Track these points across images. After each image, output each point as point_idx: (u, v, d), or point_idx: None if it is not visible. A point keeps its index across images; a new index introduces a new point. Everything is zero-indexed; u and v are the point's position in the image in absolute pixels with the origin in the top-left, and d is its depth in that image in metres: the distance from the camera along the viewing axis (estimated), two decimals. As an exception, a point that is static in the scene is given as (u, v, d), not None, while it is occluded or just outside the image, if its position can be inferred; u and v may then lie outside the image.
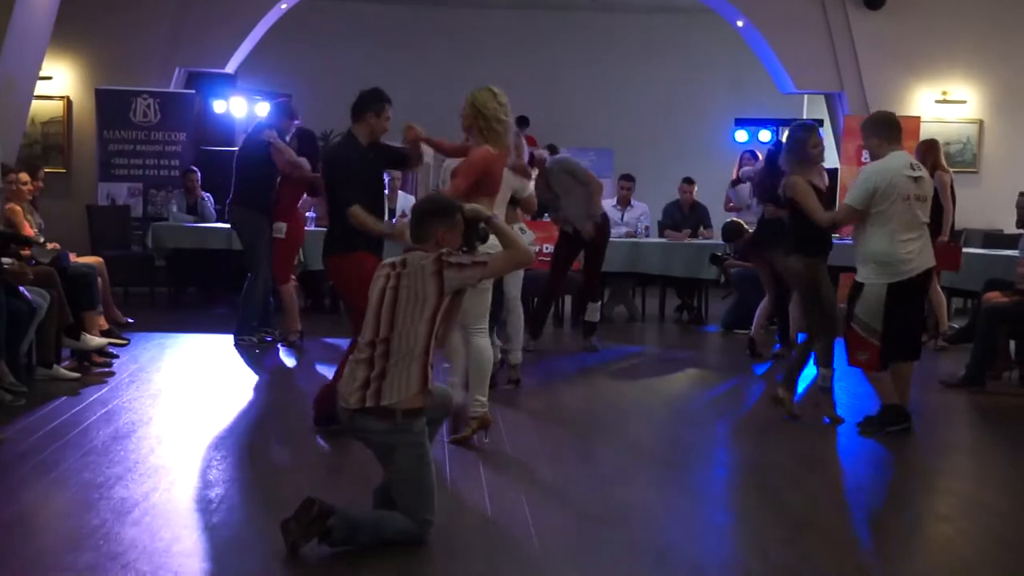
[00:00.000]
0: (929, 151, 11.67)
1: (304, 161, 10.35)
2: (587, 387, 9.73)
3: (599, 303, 11.30)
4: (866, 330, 7.58)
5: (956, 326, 11.77)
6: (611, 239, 13.39)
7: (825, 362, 8.15)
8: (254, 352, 10.35)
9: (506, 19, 19.68)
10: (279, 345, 10.63)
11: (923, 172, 7.59)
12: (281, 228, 10.43)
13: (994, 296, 10.14)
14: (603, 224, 10.95)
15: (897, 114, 15.29)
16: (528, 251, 5.43)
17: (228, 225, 12.75)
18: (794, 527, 5.61)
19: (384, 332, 4.88)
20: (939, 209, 11.40)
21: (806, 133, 8.26)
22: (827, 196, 7.92)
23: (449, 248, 5.03)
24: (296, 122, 10.70)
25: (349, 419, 4.95)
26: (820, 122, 16.47)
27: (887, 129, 7.69)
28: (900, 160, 7.55)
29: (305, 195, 10.99)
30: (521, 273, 8.81)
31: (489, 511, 5.67)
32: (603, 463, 6.90)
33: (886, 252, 7.46)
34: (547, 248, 12.14)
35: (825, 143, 14.38)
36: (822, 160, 8.40)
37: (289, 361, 10.16)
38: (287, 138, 10.52)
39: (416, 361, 4.88)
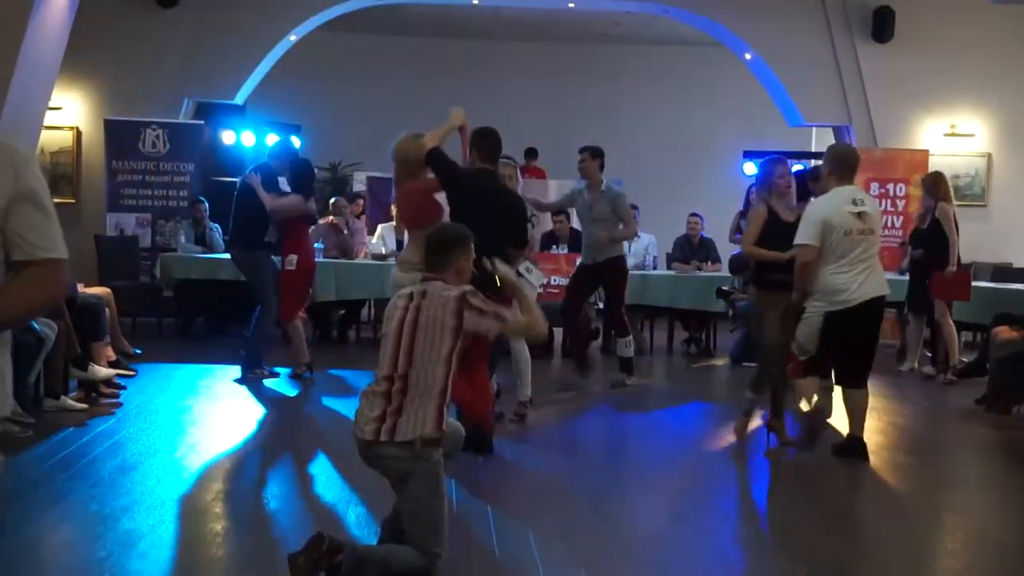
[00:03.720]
0: (935, 184, 11.70)
1: (287, 202, 10.38)
2: (595, 420, 9.71)
3: (629, 337, 11.05)
4: (800, 351, 7.80)
5: (965, 360, 11.73)
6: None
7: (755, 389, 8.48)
8: (262, 384, 10.34)
9: (516, 51, 19.76)
10: (287, 377, 10.61)
11: (867, 207, 7.68)
12: (292, 260, 10.42)
13: (1003, 330, 10.13)
14: (620, 261, 10.83)
15: (906, 147, 15.50)
16: (544, 329, 5.41)
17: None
18: (800, 561, 5.58)
19: (403, 367, 4.85)
20: (944, 241, 11.42)
21: (773, 166, 8.46)
22: (791, 228, 7.96)
23: (469, 285, 5.02)
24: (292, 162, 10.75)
25: (365, 448, 4.91)
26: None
27: (839, 164, 7.85)
28: (842, 195, 7.69)
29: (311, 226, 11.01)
30: None
31: (495, 545, 5.65)
32: (611, 497, 6.88)
33: (824, 283, 7.65)
34: (555, 280, 12.15)
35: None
36: (788, 192, 8.40)
37: (297, 393, 10.15)
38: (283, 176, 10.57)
39: (433, 401, 4.84)
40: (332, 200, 14.14)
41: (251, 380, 10.40)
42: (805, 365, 7.79)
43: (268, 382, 10.43)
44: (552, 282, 12.18)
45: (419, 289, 5.00)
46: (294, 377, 10.58)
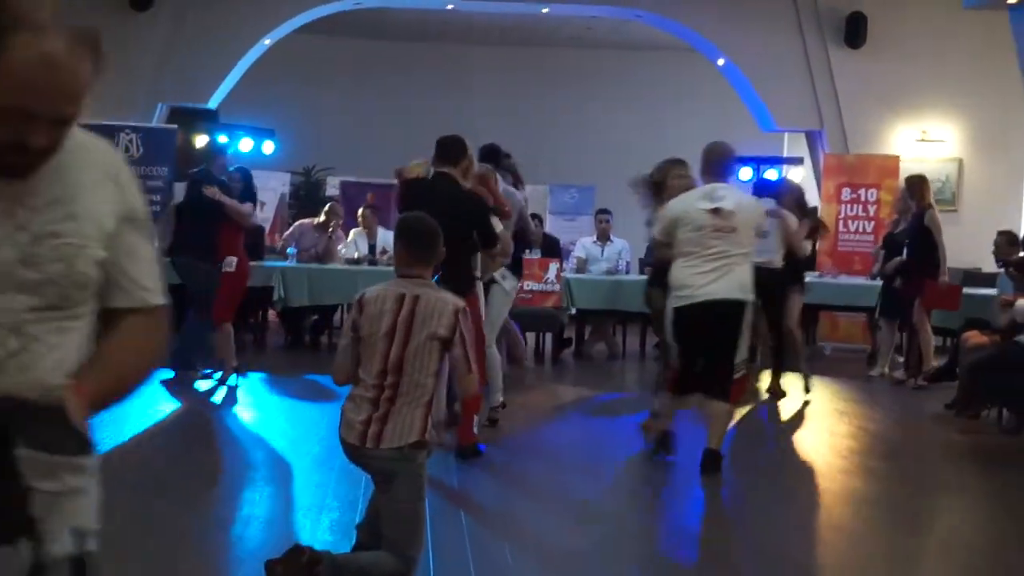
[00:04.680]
0: (915, 188, 11.66)
1: (248, 207, 10.41)
2: (567, 426, 9.73)
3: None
4: (671, 353, 7.76)
5: (936, 364, 11.79)
6: (590, 276, 13.48)
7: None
8: (233, 390, 10.29)
9: (489, 56, 19.77)
10: (217, 381, 10.50)
11: (725, 204, 7.48)
12: (231, 262, 10.32)
13: (973, 335, 10.20)
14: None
15: (878, 153, 15.58)
16: (475, 391, 5.39)
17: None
18: (771, 565, 5.62)
19: (393, 374, 4.72)
20: (932, 247, 11.40)
21: (666, 166, 8.53)
22: None
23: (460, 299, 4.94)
24: (226, 158, 10.78)
25: (350, 450, 4.85)
26: (800, 159, 16.68)
27: (702, 162, 7.86)
28: (696, 192, 7.70)
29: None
30: (501, 321, 8.85)
31: (470, 553, 5.66)
32: (583, 503, 6.90)
33: (674, 277, 7.56)
34: (530, 286, 12.16)
35: (803, 181, 14.58)
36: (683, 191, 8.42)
37: (265, 398, 10.13)
38: (224, 177, 10.55)
39: (420, 408, 4.77)
40: (328, 205, 14.06)
41: (183, 381, 10.28)
42: (674, 377, 7.68)
43: (207, 384, 10.33)
44: (526, 287, 12.17)
45: (410, 292, 4.79)
46: (223, 381, 10.46)
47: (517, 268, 9.36)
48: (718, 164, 7.79)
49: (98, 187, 2.22)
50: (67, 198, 2.16)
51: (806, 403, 10.54)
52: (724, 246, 7.44)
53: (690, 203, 7.58)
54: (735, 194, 7.71)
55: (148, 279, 2.30)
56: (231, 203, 10.25)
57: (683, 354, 7.55)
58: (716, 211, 7.44)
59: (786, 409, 10.32)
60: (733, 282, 7.43)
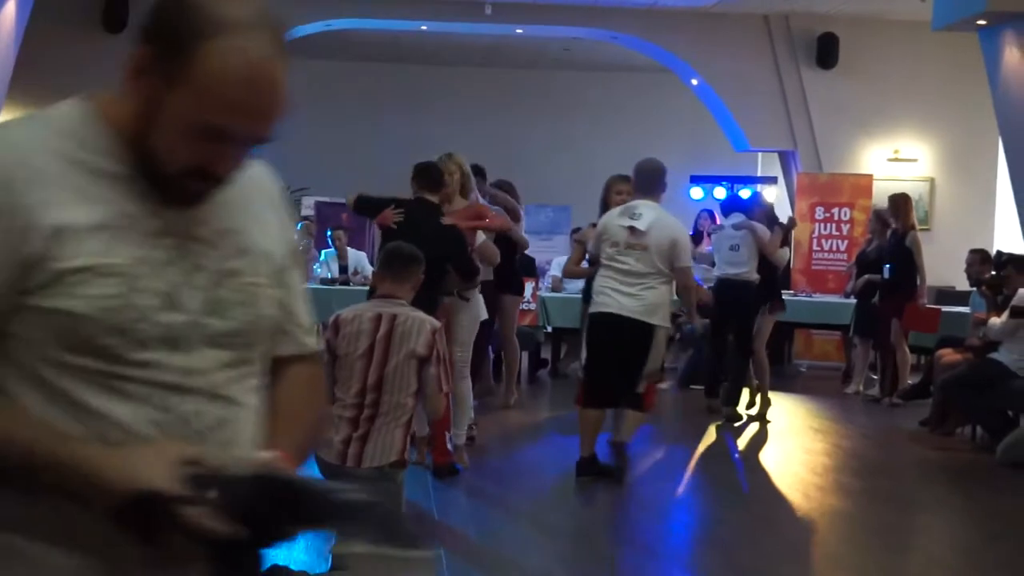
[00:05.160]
0: (899, 207, 11.67)
1: None
2: (542, 446, 9.71)
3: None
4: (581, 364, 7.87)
5: (910, 382, 11.82)
6: (565, 294, 13.49)
7: None
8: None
9: (465, 77, 19.80)
10: None
11: (643, 223, 7.46)
12: None
13: (947, 353, 10.25)
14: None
15: (851, 172, 15.66)
16: (441, 414, 5.39)
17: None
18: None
19: (372, 394, 4.74)
20: (913, 269, 11.42)
21: (610, 181, 8.77)
22: None
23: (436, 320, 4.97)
24: None
25: (327, 469, 4.83)
26: (774, 179, 16.74)
27: (635, 180, 7.96)
28: (619, 209, 7.76)
29: None
30: (471, 340, 8.66)
31: (447, 573, 5.65)
32: (557, 523, 6.90)
33: (594, 287, 7.71)
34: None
35: (777, 200, 14.63)
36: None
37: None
38: None
39: (400, 428, 4.78)
40: (301, 225, 14.02)
41: None
42: (585, 389, 7.72)
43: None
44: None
45: (387, 312, 4.83)
46: None
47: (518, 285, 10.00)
48: (645, 180, 7.83)
49: (264, 215, 1.90)
50: (237, 229, 1.82)
51: (767, 422, 10.45)
52: (632, 263, 7.46)
53: (612, 218, 7.71)
54: (654, 213, 7.58)
55: (307, 320, 1.99)
56: None
57: (593, 363, 7.62)
58: (631, 229, 7.47)
59: (761, 428, 10.32)
60: (641, 303, 7.41)
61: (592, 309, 7.65)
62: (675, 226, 7.78)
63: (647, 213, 7.51)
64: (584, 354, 7.76)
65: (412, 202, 7.71)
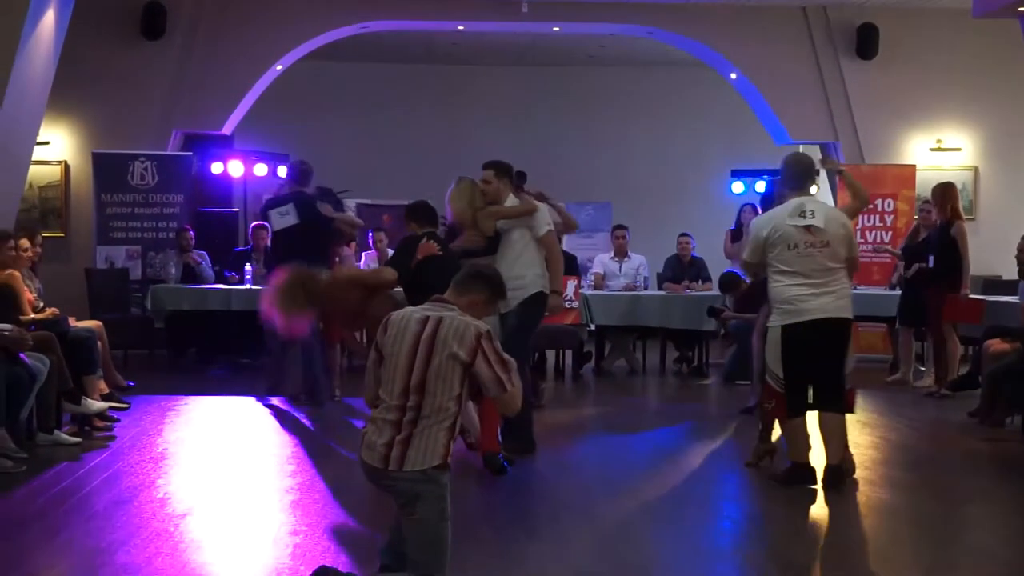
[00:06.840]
0: (944, 197, 11.63)
1: (352, 216, 11.32)
2: (588, 441, 9.71)
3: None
4: (773, 378, 7.66)
5: (958, 373, 11.72)
6: (607, 292, 13.47)
7: None
8: (256, 414, 10.32)
9: (501, 76, 19.80)
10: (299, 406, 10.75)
11: (817, 219, 7.41)
12: None
13: (995, 343, 10.15)
14: None
15: (893, 163, 15.53)
16: (517, 409, 5.34)
17: (226, 286, 12.91)
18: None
19: (415, 396, 4.71)
20: (951, 258, 11.36)
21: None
22: None
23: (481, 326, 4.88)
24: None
25: (372, 473, 4.83)
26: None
27: (784, 176, 7.85)
28: (786, 208, 7.57)
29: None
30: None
31: (491, 567, 5.64)
32: (605, 519, 6.87)
33: (779, 296, 7.51)
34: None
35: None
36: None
37: (292, 423, 10.13)
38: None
39: (444, 432, 4.75)
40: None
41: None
42: (788, 401, 7.62)
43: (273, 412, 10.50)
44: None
45: (435, 314, 4.82)
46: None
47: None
48: (799, 175, 7.78)
49: None
50: None
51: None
52: (822, 261, 7.43)
53: (780, 219, 7.53)
54: (822, 207, 7.62)
55: None
56: (344, 216, 10.79)
57: (794, 373, 7.54)
58: (809, 227, 7.42)
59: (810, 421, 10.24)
60: (840, 298, 7.47)
61: (790, 320, 7.45)
62: (841, 214, 7.84)
63: (817, 208, 7.53)
64: (780, 372, 7.57)
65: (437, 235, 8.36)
